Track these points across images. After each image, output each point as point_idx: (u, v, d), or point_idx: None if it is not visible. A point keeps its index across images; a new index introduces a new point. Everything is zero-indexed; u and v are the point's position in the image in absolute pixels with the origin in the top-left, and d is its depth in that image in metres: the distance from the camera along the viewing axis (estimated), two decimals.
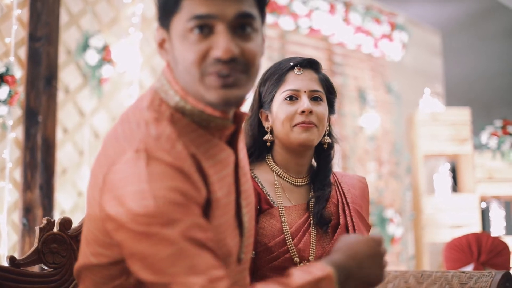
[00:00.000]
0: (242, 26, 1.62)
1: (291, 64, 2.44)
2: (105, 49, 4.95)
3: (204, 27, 1.58)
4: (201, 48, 1.58)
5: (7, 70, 4.13)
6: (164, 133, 1.58)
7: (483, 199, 7.00)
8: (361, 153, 7.65)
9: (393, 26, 7.94)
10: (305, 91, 2.39)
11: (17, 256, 2.16)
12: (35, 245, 2.17)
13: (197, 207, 1.54)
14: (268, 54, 6.54)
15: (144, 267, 1.49)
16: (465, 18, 9.51)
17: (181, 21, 1.60)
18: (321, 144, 2.48)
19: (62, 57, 4.85)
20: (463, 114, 7.16)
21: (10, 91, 4.12)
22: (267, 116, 2.46)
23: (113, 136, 1.64)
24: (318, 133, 2.39)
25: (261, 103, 2.48)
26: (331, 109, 2.51)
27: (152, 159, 1.52)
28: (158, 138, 1.56)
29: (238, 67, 1.60)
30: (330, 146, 2.52)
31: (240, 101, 1.68)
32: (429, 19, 9.34)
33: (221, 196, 1.65)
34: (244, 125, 2.45)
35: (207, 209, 1.61)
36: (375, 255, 1.65)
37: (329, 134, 2.52)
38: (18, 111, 4.43)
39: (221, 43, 1.57)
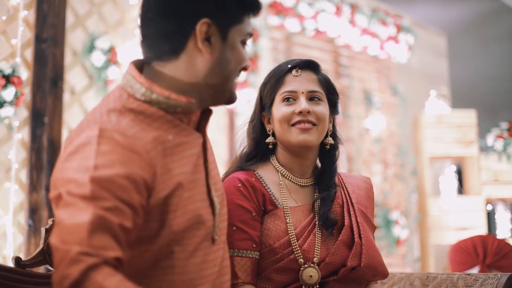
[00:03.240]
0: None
1: (289, 66, 2.44)
2: (111, 50, 4.96)
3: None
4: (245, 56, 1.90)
5: (13, 71, 4.14)
6: (123, 120, 1.72)
7: (488, 201, 7.00)
8: (366, 155, 7.65)
9: (399, 28, 7.95)
10: (302, 92, 2.39)
11: (22, 257, 2.17)
12: (41, 246, 2.17)
13: (136, 189, 1.63)
14: (274, 56, 6.54)
15: (56, 232, 1.56)
16: (471, 20, 9.51)
17: (242, 32, 1.87)
18: (324, 144, 2.48)
19: (68, 58, 4.86)
20: (469, 117, 7.16)
21: (16, 92, 4.13)
22: (269, 119, 2.46)
23: (78, 126, 1.78)
24: (317, 133, 2.38)
25: (262, 106, 2.49)
26: (334, 109, 2.51)
27: (104, 138, 1.65)
28: (115, 124, 1.70)
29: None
30: (334, 147, 2.51)
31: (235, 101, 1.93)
32: (435, 21, 9.33)
33: (183, 172, 1.77)
34: (247, 128, 2.53)
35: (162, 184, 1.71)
36: None
37: (333, 135, 2.51)
38: (24, 112, 4.44)
39: (247, 57, 1.93)
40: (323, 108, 2.40)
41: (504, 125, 6.84)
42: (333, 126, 2.52)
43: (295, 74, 2.43)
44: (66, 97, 4.82)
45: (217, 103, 1.91)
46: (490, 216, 7.38)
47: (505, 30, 9.87)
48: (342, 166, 2.61)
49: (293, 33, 6.90)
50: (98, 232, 1.53)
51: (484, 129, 7.12)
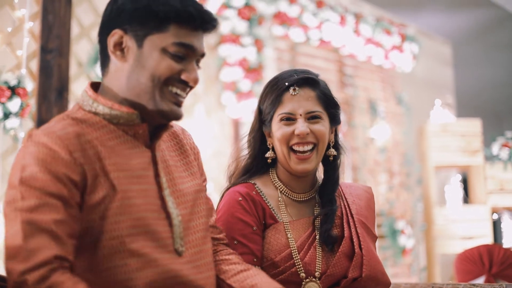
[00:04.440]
0: (198, 62, 1.99)
1: (286, 84, 2.42)
2: None
3: (184, 55, 1.92)
4: (176, 67, 1.90)
5: (19, 82, 4.15)
6: (58, 124, 1.86)
7: (494, 210, 6.98)
8: (371, 165, 7.65)
9: (404, 37, 7.95)
10: (300, 114, 2.38)
11: None
12: None
13: (61, 182, 1.75)
14: (278, 66, 6.55)
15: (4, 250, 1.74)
16: (475, 28, 9.51)
17: (165, 40, 1.89)
18: (327, 156, 2.47)
19: (73, 69, 4.87)
20: (474, 125, 7.15)
21: (21, 104, 4.14)
22: (269, 133, 2.46)
23: None
24: (317, 156, 2.38)
25: (262, 121, 2.48)
26: (334, 121, 2.49)
27: (31, 141, 1.80)
28: (49, 127, 1.85)
29: (187, 89, 1.96)
30: (336, 159, 2.51)
31: (180, 118, 1.98)
32: (440, 29, 9.33)
33: (120, 177, 1.85)
34: (247, 139, 2.54)
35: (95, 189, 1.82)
36: None
37: (335, 145, 2.51)
38: (29, 124, 4.45)
39: (194, 72, 1.93)
40: (322, 127, 2.39)
41: (510, 134, 6.83)
42: (335, 136, 2.52)
43: (293, 93, 2.41)
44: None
45: (153, 116, 1.94)
46: (496, 225, 7.36)
47: (510, 38, 9.86)
48: (347, 176, 2.60)
49: (298, 43, 6.91)
50: (31, 236, 1.67)
51: (489, 138, 7.10)
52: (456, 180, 7.44)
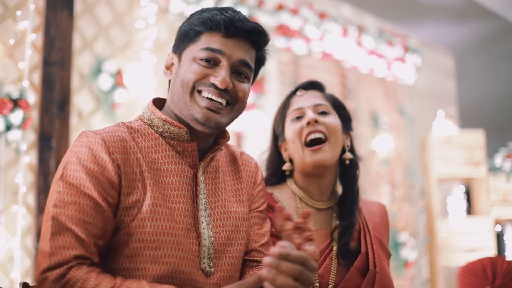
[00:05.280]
0: (239, 71, 2.05)
1: (294, 89, 2.47)
2: (118, 73, 4.98)
3: (211, 59, 2.00)
4: (203, 71, 2.00)
5: (21, 94, 4.15)
6: (109, 129, 1.99)
7: (497, 222, 6.95)
8: (374, 176, 7.63)
9: (406, 49, 7.95)
10: (308, 107, 2.40)
11: (29, 281, 2.16)
12: None
13: (95, 181, 1.87)
14: (281, 78, 6.55)
15: None
16: (478, 40, 9.51)
17: (195, 49, 2.02)
18: (343, 162, 2.47)
19: (75, 81, 4.88)
20: (477, 137, 7.13)
21: (23, 116, 4.14)
22: (285, 147, 2.47)
23: None
24: (330, 149, 2.38)
25: (276, 137, 2.50)
26: (347, 125, 2.51)
27: (78, 140, 1.95)
28: (100, 130, 1.97)
29: (227, 97, 2.01)
30: (354, 165, 2.51)
31: (218, 125, 2.03)
32: (442, 40, 9.34)
33: (153, 192, 1.93)
34: (266, 157, 2.59)
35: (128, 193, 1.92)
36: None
37: (351, 151, 2.51)
38: (31, 136, 4.44)
39: (222, 74, 1.99)
40: (331, 119, 2.41)
41: None
42: (351, 143, 2.53)
43: (300, 94, 2.45)
44: (74, 120, 4.83)
45: (195, 127, 2.03)
46: (499, 237, 7.33)
47: None
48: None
49: (300, 56, 6.90)
50: (57, 234, 1.80)
51: (492, 149, 7.09)
52: (459, 192, 7.42)
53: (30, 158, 4.40)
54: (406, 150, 8.15)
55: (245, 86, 2.06)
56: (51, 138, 4.47)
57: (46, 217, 1.85)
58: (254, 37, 2.06)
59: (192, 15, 2.12)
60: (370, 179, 7.55)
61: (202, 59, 2.00)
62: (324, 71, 7.25)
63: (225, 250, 2.05)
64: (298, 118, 2.42)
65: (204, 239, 1.99)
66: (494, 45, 9.71)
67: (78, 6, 4.95)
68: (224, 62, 2.00)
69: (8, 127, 4.12)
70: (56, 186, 1.88)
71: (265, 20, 6.16)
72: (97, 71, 4.95)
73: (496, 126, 10.51)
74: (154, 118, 2.06)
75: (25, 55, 4.36)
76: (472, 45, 9.67)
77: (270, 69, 6.32)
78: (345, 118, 2.52)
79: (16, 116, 4.12)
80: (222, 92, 1.99)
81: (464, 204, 7.35)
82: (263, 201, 2.28)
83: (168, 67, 2.13)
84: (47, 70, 4.53)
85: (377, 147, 7.64)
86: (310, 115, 2.38)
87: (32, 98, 4.25)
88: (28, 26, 4.40)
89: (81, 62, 4.99)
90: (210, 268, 1.98)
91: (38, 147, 4.43)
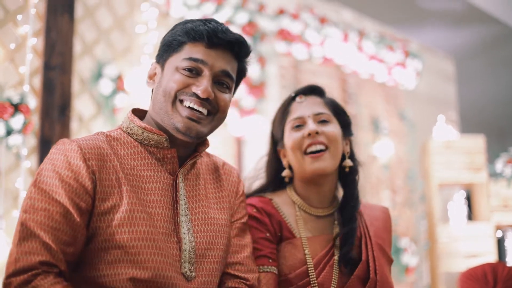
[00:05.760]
0: (221, 81, 2.09)
1: (293, 95, 2.45)
2: (118, 78, 4.98)
3: (194, 69, 2.04)
4: (186, 80, 2.03)
5: (22, 99, 4.15)
6: (87, 137, 2.02)
7: (498, 227, 6.94)
8: (375, 182, 7.62)
9: (407, 54, 7.96)
10: (309, 116, 2.38)
11: None
12: None
13: (67, 188, 1.87)
14: (281, 83, 6.54)
15: None
16: (478, 44, 9.51)
17: (178, 59, 2.05)
18: (343, 168, 2.46)
19: (76, 86, 4.87)
20: (478, 142, 7.12)
21: (24, 120, 4.13)
22: (284, 152, 2.45)
23: None
24: (330, 157, 2.37)
25: (275, 141, 2.48)
26: (347, 130, 2.49)
27: (55, 148, 1.98)
28: (78, 138, 2.00)
29: (208, 107, 2.05)
30: (354, 170, 2.49)
31: (199, 135, 2.06)
32: (443, 45, 9.34)
33: (131, 198, 1.94)
34: (265, 165, 2.57)
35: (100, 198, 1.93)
36: None
37: (351, 157, 2.50)
38: (32, 140, 4.44)
39: (203, 84, 2.02)
40: (332, 128, 2.39)
41: None
42: (351, 148, 2.51)
43: (299, 101, 2.44)
44: (74, 125, 4.83)
45: (175, 135, 2.06)
46: (500, 242, 7.33)
47: None
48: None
49: (301, 61, 6.90)
50: (24, 239, 1.80)
51: (493, 155, 7.08)
52: (459, 197, 7.41)
53: (30, 162, 4.39)
54: (406, 155, 8.14)
55: (226, 96, 2.10)
56: (51, 143, 4.46)
57: (17, 222, 1.87)
58: (237, 48, 2.11)
59: (176, 25, 2.16)
60: (371, 184, 7.55)
61: (184, 69, 2.03)
62: (325, 76, 7.25)
63: (206, 255, 2.07)
64: (298, 126, 2.40)
65: (185, 244, 2.02)
66: (494, 49, 9.71)
67: (78, 11, 4.95)
68: (206, 72, 2.04)
69: (9, 132, 4.12)
70: (28, 192, 1.89)
71: (265, 24, 6.16)
72: (98, 75, 4.95)
73: (496, 131, 10.51)
74: (133, 127, 2.09)
75: (26, 60, 4.36)
76: (473, 50, 9.67)
77: (270, 73, 6.32)
78: (345, 124, 2.50)
79: (17, 121, 4.11)
80: (203, 101, 2.03)
81: (464, 209, 7.34)
82: (245, 212, 2.30)
83: (151, 77, 2.15)
84: (48, 75, 4.53)
85: (377, 152, 7.64)
86: (311, 126, 2.36)
87: (33, 102, 4.25)
88: (29, 31, 4.40)
89: (81, 67, 4.99)
90: (191, 272, 2.01)
91: (39, 152, 4.42)
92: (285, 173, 2.46)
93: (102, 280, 1.88)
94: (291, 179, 2.49)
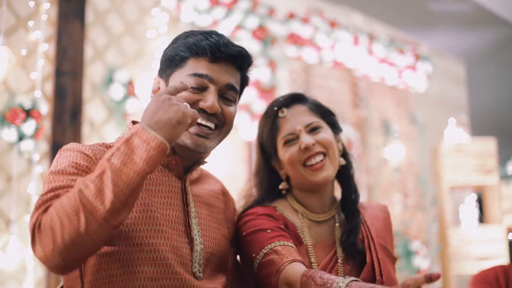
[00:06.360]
0: (226, 94, 2.10)
1: (275, 109, 2.43)
2: (129, 83, 5.00)
3: (199, 85, 2.05)
4: (192, 97, 2.04)
5: (33, 105, 4.17)
6: (91, 144, 2.03)
7: (510, 230, 6.93)
8: (386, 185, 7.61)
9: (417, 57, 7.95)
10: (300, 130, 2.37)
11: None
12: (61, 281, 2.17)
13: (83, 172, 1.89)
14: (292, 87, 6.55)
15: None
16: (489, 47, 9.48)
17: (183, 74, 2.06)
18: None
19: (87, 91, 4.90)
20: (489, 145, 7.11)
21: (36, 126, 4.16)
22: (279, 165, 2.44)
23: None
24: (331, 163, 2.36)
25: (268, 156, 2.46)
26: (335, 128, 2.48)
27: (62, 149, 1.98)
28: (82, 145, 2.00)
29: (215, 121, 2.07)
30: (348, 166, 2.49)
31: (207, 149, 2.09)
32: (453, 48, 9.32)
33: (144, 197, 1.97)
34: (255, 181, 2.53)
35: None
36: (160, 101, 1.84)
37: (344, 153, 2.49)
38: (44, 146, 4.47)
39: (210, 99, 2.04)
40: (326, 134, 2.38)
41: None
42: (342, 145, 2.51)
43: (284, 115, 2.41)
44: (86, 130, 4.85)
45: (182, 149, 2.08)
46: None
47: None
48: (361, 196, 2.57)
49: (311, 65, 6.91)
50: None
51: (504, 157, 7.07)
52: (471, 200, 7.40)
53: (42, 168, 4.42)
54: (417, 158, 8.13)
55: (232, 109, 2.12)
56: None
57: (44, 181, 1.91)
58: (239, 61, 2.13)
59: (176, 39, 2.18)
60: (382, 187, 7.54)
61: (192, 87, 2.04)
62: (335, 79, 7.25)
63: (210, 260, 2.10)
64: (292, 140, 2.38)
65: (196, 245, 2.04)
66: (505, 52, 9.68)
67: (89, 16, 4.98)
68: (211, 87, 2.05)
69: (21, 137, 4.14)
70: (45, 180, 1.90)
71: (276, 29, 6.17)
72: (109, 81, 4.97)
73: (507, 134, 10.48)
74: None
75: (37, 65, 4.38)
76: (483, 53, 9.65)
77: (281, 78, 6.32)
78: (333, 123, 2.49)
79: (29, 126, 4.14)
80: (211, 116, 2.05)
81: (476, 212, 7.33)
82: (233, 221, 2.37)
83: (155, 91, 2.15)
84: (59, 80, 4.55)
85: (388, 156, 7.63)
86: (305, 139, 2.34)
87: (45, 108, 4.28)
88: (40, 37, 4.43)
89: (93, 72, 5.01)
90: (200, 273, 2.03)
91: (51, 157, 4.44)
92: (283, 185, 2.45)
93: (117, 279, 1.89)
94: (289, 189, 2.48)
